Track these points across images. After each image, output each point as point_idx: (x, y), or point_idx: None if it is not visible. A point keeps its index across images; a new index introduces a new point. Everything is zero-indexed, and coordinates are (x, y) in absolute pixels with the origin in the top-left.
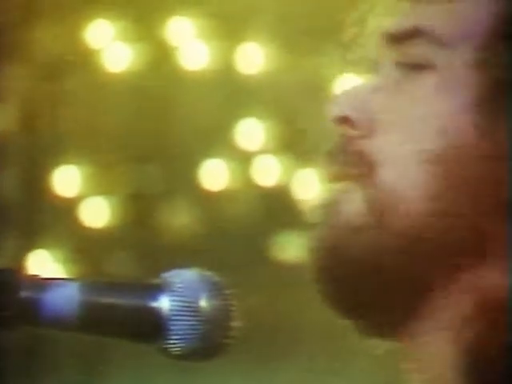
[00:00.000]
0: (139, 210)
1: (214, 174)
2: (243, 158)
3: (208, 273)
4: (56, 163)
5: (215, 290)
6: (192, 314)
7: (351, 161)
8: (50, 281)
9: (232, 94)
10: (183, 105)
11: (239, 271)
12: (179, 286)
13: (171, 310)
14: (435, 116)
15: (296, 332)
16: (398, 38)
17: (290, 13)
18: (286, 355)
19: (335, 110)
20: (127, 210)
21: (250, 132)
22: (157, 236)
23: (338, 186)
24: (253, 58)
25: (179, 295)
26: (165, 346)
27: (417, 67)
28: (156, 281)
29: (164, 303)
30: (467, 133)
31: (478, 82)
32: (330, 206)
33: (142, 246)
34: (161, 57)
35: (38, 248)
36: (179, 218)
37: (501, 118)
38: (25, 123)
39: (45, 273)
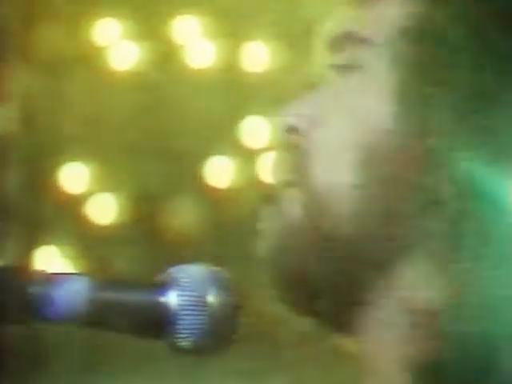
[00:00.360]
0: (145, 207)
1: (219, 172)
2: (248, 156)
3: (215, 268)
4: (63, 160)
5: (222, 284)
6: (200, 308)
7: (294, 166)
8: (58, 276)
9: (237, 92)
10: (189, 102)
11: (243, 268)
12: (187, 280)
13: (179, 305)
14: (360, 113)
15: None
16: (336, 43)
17: (295, 11)
18: (287, 353)
19: (285, 121)
20: (133, 206)
21: (255, 129)
22: (162, 232)
23: (284, 191)
24: (258, 56)
25: (187, 290)
26: (172, 341)
27: (349, 68)
28: (163, 276)
29: (172, 298)
30: (389, 126)
31: (396, 78)
32: (275, 212)
33: (147, 243)
34: (167, 55)
35: (45, 244)
36: (184, 215)
37: (422, 110)
38: (31, 121)
39: (52, 269)
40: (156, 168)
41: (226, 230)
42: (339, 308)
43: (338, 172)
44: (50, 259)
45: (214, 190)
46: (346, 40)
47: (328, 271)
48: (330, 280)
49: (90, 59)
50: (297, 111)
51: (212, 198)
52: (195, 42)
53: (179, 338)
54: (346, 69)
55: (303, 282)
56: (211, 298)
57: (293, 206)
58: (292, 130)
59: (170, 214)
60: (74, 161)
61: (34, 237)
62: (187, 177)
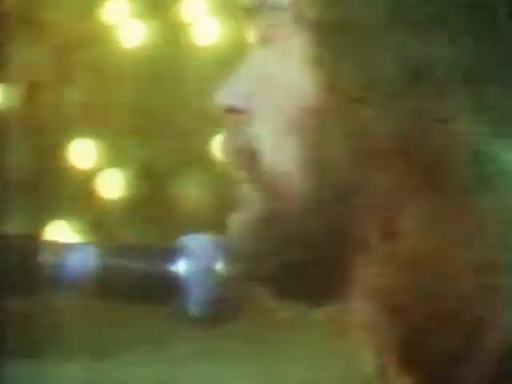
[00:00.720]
0: (152, 182)
1: None
2: None
3: (223, 237)
4: (72, 136)
5: (231, 253)
6: (209, 277)
7: (240, 151)
8: (66, 245)
9: None
10: (195, 79)
11: None
12: (195, 249)
13: (188, 273)
14: (284, 84)
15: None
16: (251, 12)
17: None
18: (287, 340)
19: (220, 99)
20: (141, 181)
21: None
22: (170, 207)
23: (238, 179)
24: None
25: (196, 258)
26: (181, 310)
27: (270, 38)
28: (173, 244)
29: (181, 266)
30: (312, 95)
31: (312, 42)
32: (235, 203)
33: (155, 217)
34: (174, 33)
35: (54, 219)
36: (191, 189)
37: (343, 75)
38: (41, 98)
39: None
40: (163, 143)
41: (233, 204)
42: (319, 284)
43: (281, 153)
44: (59, 233)
45: (221, 164)
46: (259, 8)
47: (296, 252)
48: (299, 261)
49: (97, 37)
50: (233, 89)
51: (219, 173)
52: (202, 20)
53: (188, 306)
54: (265, 39)
55: (274, 270)
56: (220, 267)
57: (250, 193)
58: (231, 109)
59: (177, 189)
60: (83, 137)
61: (43, 211)
62: (194, 151)
